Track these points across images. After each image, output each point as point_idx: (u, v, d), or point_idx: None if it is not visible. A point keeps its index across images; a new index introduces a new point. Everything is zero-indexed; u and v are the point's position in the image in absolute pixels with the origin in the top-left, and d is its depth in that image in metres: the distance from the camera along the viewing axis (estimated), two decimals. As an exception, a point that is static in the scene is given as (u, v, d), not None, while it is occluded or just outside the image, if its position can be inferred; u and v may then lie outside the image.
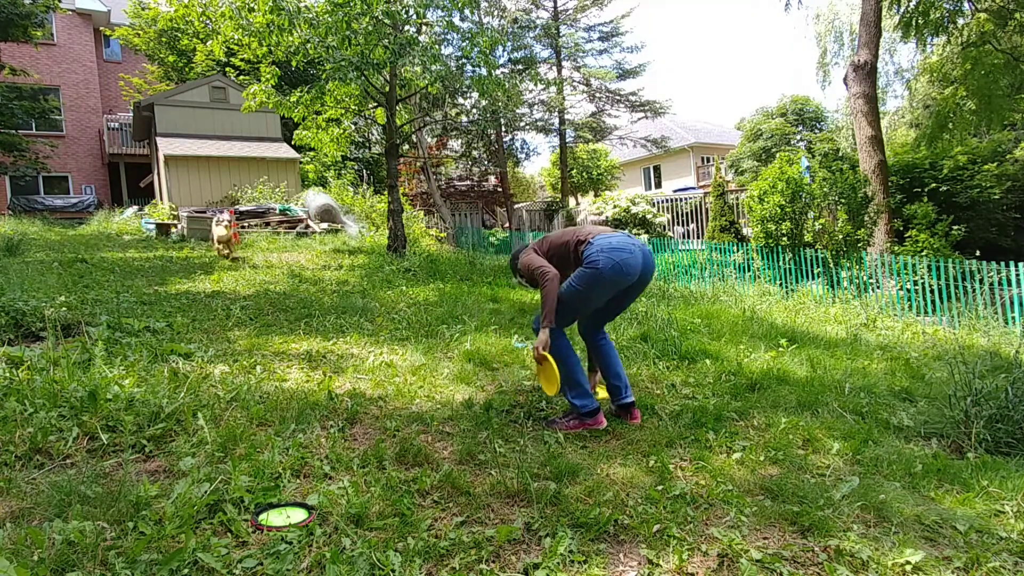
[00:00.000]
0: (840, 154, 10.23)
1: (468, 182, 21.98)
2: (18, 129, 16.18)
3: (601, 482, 2.25)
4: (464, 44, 8.45)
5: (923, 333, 5.84)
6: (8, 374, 2.84)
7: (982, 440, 2.76)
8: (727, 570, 1.75)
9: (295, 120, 9.26)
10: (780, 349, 4.42)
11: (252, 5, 7.75)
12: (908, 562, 1.78)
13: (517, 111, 19.60)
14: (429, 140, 19.98)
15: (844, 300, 7.46)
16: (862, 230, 8.64)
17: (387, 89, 8.98)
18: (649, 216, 16.82)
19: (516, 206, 21.79)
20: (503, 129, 20.24)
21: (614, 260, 2.73)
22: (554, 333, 2.86)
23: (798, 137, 26.86)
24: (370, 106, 9.86)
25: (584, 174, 26.04)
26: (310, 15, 7.65)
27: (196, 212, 12.59)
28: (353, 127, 11.81)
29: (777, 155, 10.25)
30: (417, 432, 2.68)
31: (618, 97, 21.25)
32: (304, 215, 13.04)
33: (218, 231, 8.46)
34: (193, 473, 2.06)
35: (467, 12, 9.01)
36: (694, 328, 5.10)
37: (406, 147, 17.28)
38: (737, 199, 15.61)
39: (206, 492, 1.93)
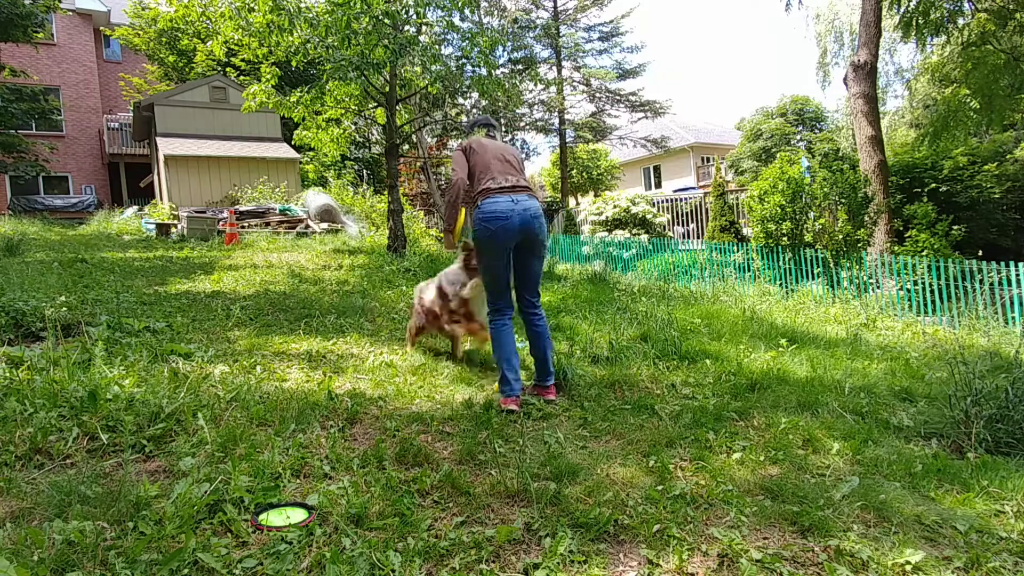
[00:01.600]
0: (840, 154, 10.23)
1: (468, 182, 21.94)
2: (18, 129, 16.18)
3: (601, 482, 2.25)
4: (464, 44, 8.44)
5: (923, 333, 5.84)
6: (8, 374, 2.84)
7: (982, 440, 2.76)
8: (727, 570, 1.75)
9: (295, 120, 9.26)
10: (780, 349, 4.42)
11: (252, 5, 7.76)
12: (908, 562, 1.78)
13: (517, 111, 19.62)
14: (429, 140, 19.97)
15: (844, 300, 7.45)
16: (862, 230, 8.64)
17: (387, 89, 8.98)
18: (649, 216, 16.81)
19: (516, 206, 21.75)
20: (503, 129, 20.26)
21: (491, 230, 3.05)
22: (498, 321, 3.21)
23: (798, 137, 26.88)
24: (370, 106, 9.86)
25: (584, 174, 26.05)
26: (310, 15, 7.65)
27: (196, 212, 12.60)
28: (353, 127, 11.83)
29: (777, 155, 10.25)
30: (417, 432, 2.67)
31: (618, 97, 21.27)
32: (304, 215, 13.04)
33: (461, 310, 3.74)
34: (193, 473, 2.06)
35: (467, 12, 9.01)
36: (694, 328, 5.10)
37: (406, 147, 17.28)
38: (737, 199, 15.61)
39: (206, 492, 1.92)
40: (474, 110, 18.92)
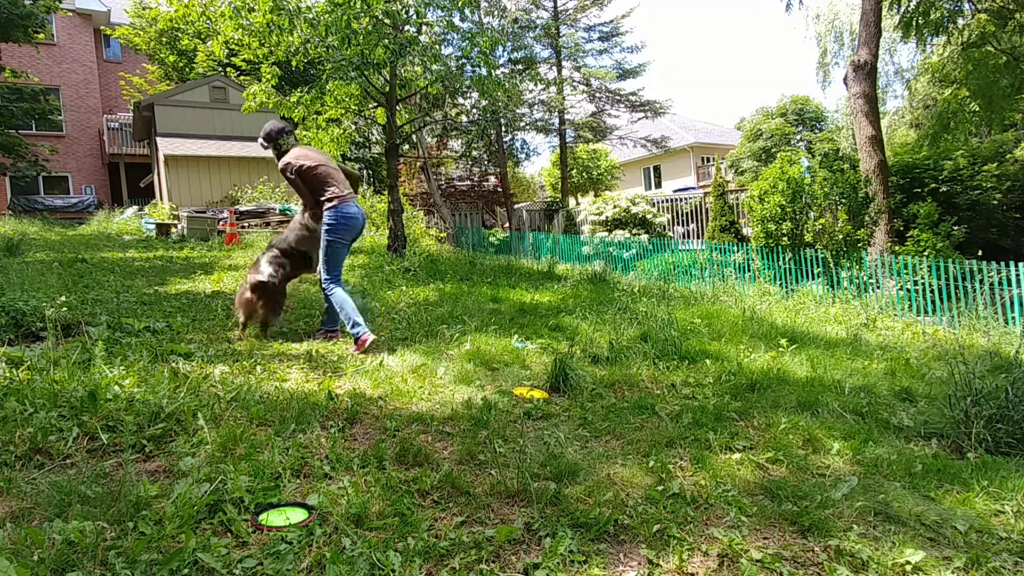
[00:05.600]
0: (840, 154, 10.23)
1: (468, 182, 21.99)
2: (18, 129, 16.17)
3: (601, 482, 2.25)
4: (464, 44, 8.45)
5: (923, 333, 5.84)
6: (8, 374, 2.84)
7: (982, 440, 2.75)
8: (727, 570, 1.75)
9: (295, 120, 9.25)
10: (780, 349, 4.42)
11: (252, 5, 7.75)
12: (908, 562, 1.78)
13: (517, 111, 19.60)
14: (429, 140, 19.98)
15: (844, 300, 7.45)
16: (862, 230, 8.64)
17: (387, 89, 8.98)
18: (649, 216, 16.81)
19: (516, 206, 21.78)
20: (503, 129, 20.24)
21: (349, 226, 4.06)
22: (334, 285, 4.08)
23: (798, 137, 26.87)
24: (370, 106, 9.86)
25: (584, 174, 26.05)
26: (310, 15, 7.65)
27: (196, 212, 12.60)
28: (353, 127, 11.83)
29: (777, 155, 10.25)
30: (417, 432, 2.67)
31: (618, 97, 21.26)
32: (304, 215, 13.00)
33: None
34: (193, 473, 2.06)
35: (467, 12, 9.01)
36: (694, 328, 5.10)
37: (406, 147, 17.28)
38: (737, 199, 15.61)
39: (206, 492, 1.92)
40: (474, 110, 18.92)
